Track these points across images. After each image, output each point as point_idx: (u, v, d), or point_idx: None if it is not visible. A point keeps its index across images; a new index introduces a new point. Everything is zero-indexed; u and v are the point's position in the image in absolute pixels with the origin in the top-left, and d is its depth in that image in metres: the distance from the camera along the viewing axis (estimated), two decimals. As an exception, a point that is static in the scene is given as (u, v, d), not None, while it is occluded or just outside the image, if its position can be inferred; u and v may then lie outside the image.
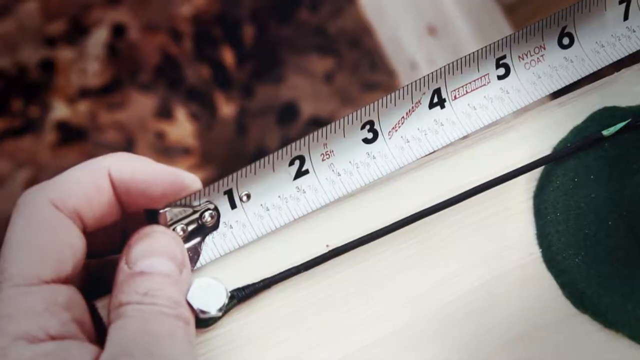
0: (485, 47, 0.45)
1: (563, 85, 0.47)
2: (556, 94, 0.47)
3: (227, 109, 1.22)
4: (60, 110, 1.20)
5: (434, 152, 0.44)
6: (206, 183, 0.41)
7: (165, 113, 1.21)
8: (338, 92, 1.25)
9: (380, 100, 0.43)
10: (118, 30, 1.25)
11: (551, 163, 0.45)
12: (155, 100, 1.22)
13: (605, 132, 0.45)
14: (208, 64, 1.25)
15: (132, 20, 1.26)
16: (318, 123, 1.22)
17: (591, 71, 0.47)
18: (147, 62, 1.24)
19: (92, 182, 0.39)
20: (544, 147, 0.46)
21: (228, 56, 1.25)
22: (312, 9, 1.29)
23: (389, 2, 1.12)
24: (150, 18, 1.26)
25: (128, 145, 1.18)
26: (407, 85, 0.44)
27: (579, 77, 0.47)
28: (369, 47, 1.23)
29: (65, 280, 0.38)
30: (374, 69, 1.24)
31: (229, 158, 1.19)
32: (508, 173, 0.44)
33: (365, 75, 1.25)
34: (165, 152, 1.19)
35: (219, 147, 1.20)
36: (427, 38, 1.06)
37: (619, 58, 0.47)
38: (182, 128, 1.20)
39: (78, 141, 1.19)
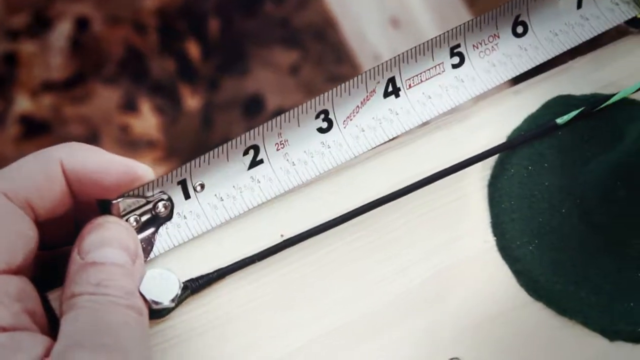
0: (440, 35, 0.45)
1: (518, 74, 0.47)
2: (512, 82, 0.48)
3: (192, 102, 1.21)
4: (23, 104, 1.19)
5: (389, 140, 0.44)
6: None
7: (129, 106, 1.20)
8: (303, 85, 1.24)
9: (334, 90, 0.43)
10: (82, 23, 1.24)
11: (505, 151, 0.45)
12: (119, 94, 1.21)
13: (559, 121, 0.45)
14: (173, 57, 1.24)
15: (96, 13, 1.25)
16: (284, 116, 1.22)
17: (545, 59, 0.47)
18: (111, 55, 1.23)
19: (43, 172, 0.39)
20: (499, 136, 0.46)
21: (193, 49, 1.25)
22: (277, 1, 1.29)
23: (353, -5, 1.12)
24: (114, 11, 1.26)
25: (92, 138, 1.17)
26: (362, 74, 0.44)
27: (534, 65, 0.47)
28: (334, 39, 1.23)
29: (16, 271, 0.38)
30: (339, 61, 1.24)
31: (194, 151, 1.18)
32: (462, 162, 0.44)
33: (330, 67, 1.25)
34: (130, 145, 1.18)
35: (184, 140, 1.19)
36: (391, 30, 1.06)
37: (572, 46, 0.48)
38: (147, 121, 1.20)
39: (41, 135, 1.18)
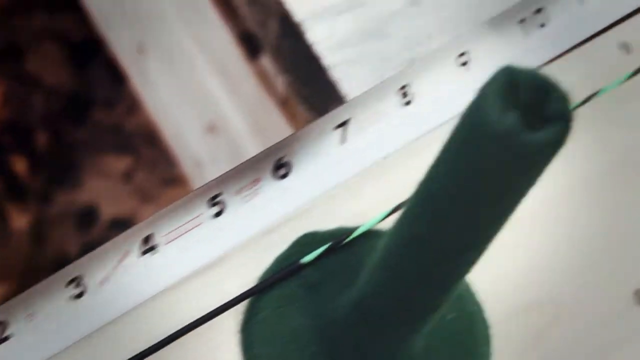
0: (198, 189, 0.46)
1: (276, 218, 0.48)
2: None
3: (20, 220, 1.20)
4: None
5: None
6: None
7: (-42, 231, 1.19)
8: (138, 191, 1.25)
9: (87, 255, 0.44)
10: None
11: (255, 295, 0.46)
12: (-53, 219, 1.19)
13: (303, 261, 0.47)
14: None
15: None
16: (119, 224, 1.22)
17: (305, 200, 0.49)
18: None
19: None
20: (252, 279, 0.47)
21: (20, 165, 1.24)
22: (107, 107, 1.30)
23: (170, 102, 1.13)
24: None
25: None
26: (118, 237, 0.45)
27: (294, 208, 0.48)
28: (162, 144, 1.25)
29: None
30: (171, 165, 1.25)
31: (26, 270, 1.17)
32: (212, 310, 0.45)
33: (163, 171, 1.26)
34: (-39, 270, 1.16)
35: (15, 261, 1.18)
36: (208, 136, 1.08)
37: (334, 184, 0.49)
38: (-23, 244, 1.18)
39: None
